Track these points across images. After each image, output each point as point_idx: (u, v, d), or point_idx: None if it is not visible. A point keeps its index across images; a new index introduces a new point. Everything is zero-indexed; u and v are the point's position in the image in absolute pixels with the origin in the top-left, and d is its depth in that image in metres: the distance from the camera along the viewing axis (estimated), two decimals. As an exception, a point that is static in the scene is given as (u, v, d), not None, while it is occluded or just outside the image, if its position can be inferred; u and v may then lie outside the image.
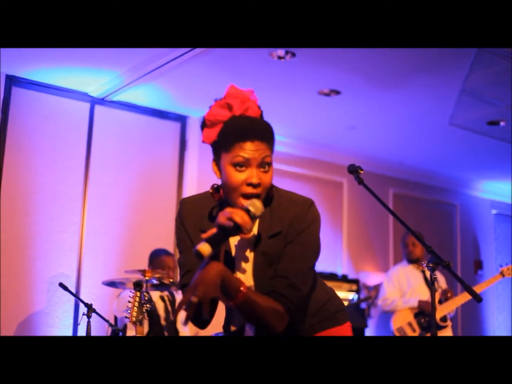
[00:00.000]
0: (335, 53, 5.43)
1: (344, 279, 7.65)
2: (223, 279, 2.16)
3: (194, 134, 7.15)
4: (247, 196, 2.27)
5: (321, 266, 7.82)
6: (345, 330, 2.55)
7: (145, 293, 4.60)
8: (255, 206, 2.23)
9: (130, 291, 4.02)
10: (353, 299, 7.47)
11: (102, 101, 6.62)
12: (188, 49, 5.25)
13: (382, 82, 6.08)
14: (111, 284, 4.81)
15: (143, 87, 6.26)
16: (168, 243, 6.74)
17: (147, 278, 4.56)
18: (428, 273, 3.68)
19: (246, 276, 2.37)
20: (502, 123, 7.16)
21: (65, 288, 4.69)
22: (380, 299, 6.60)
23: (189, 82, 6.05)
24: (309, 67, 5.76)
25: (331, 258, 8.20)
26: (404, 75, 5.93)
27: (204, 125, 2.38)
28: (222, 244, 2.23)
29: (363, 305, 7.58)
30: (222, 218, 2.20)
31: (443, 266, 2.60)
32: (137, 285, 4.02)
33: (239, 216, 2.18)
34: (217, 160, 2.36)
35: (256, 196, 2.27)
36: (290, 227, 2.35)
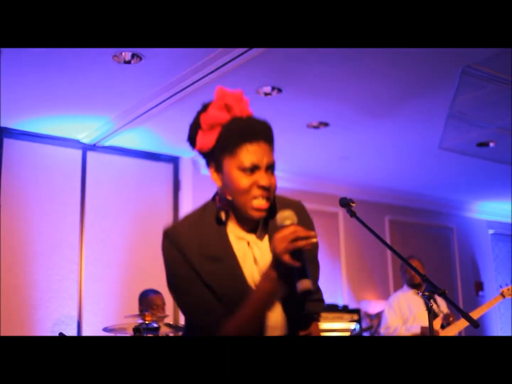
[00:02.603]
0: (321, 85, 5.49)
1: (345, 309, 7.63)
2: None
3: (187, 174, 7.19)
4: (259, 200, 2.13)
5: (321, 297, 7.81)
6: None
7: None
8: (289, 217, 2.08)
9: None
10: (355, 329, 7.45)
11: (93, 147, 6.66)
12: (174, 92, 5.32)
13: (370, 111, 6.13)
14: (112, 330, 4.80)
15: (133, 131, 6.31)
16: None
17: (147, 322, 4.55)
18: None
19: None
20: (491, 144, 7.21)
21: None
22: (383, 327, 6.57)
23: (179, 123, 6.08)
24: (296, 101, 5.81)
25: (331, 289, 8.19)
26: (391, 103, 5.98)
27: (196, 129, 2.22)
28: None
29: (366, 335, 7.57)
30: (282, 246, 1.97)
31: (439, 294, 2.62)
32: (137, 330, 4.02)
33: (301, 231, 1.99)
34: (217, 166, 2.19)
35: (267, 198, 2.14)
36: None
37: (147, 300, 5.70)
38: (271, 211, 2.20)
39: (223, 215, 2.24)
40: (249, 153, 2.11)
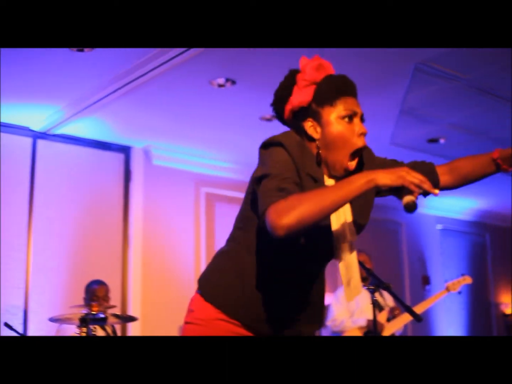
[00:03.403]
0: (275, 79, 5.46)
1: (294, 302, 7.65)
2: None
3: (138, 164, 7.15)
4: (357, 153, 2.31)
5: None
6: None
7: (92, 328, 4.56)
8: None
9: (76, 326, 3.98)
10: (304, 321, 7.48)
11: (44, 135, 6.58)
12: (126, 82, 5.28)
13: (322, 105, 6.15)
14: (58, 321, 4.75)
15: (84, 120, 6.26)
16: (115, 274, 6.71)
17: (93, 312, 4.52)
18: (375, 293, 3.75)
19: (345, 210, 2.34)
20: (442, 140, 7.30)
21: (10, 327, 4.63)
22: (329, 320, 6.62)
23: (130, 113, 6.07)
24: (249, 94, 5.82)
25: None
26: (343, 98, 6.00)
27: (290, 89, 2.39)
28: None
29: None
30: (409, 180, 2.10)
31: (383, 288, 2.66)
32: (83, 321, 3.99)
33: (427, 183, 2.13)
34: (317, 118, 2.33)
35: (364, 148, 2.34)
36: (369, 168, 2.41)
37: (90, 291, 5.69)
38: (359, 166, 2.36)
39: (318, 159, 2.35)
40: (348, 104, 2.32)
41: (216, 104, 5.99)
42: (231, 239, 2.45)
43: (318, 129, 2.32)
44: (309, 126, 2.33)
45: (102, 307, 4.75)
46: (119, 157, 7.14)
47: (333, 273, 8.77)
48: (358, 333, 6.24)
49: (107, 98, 5.61)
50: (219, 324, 2.28)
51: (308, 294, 2.38)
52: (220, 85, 5.57)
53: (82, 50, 4.83)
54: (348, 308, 6.50)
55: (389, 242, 9.77)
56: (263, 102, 6.11)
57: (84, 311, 4.59)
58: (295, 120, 2.37)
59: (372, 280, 2.72)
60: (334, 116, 2.30)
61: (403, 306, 2.60)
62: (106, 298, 5.65)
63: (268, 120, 6.43)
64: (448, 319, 10.19)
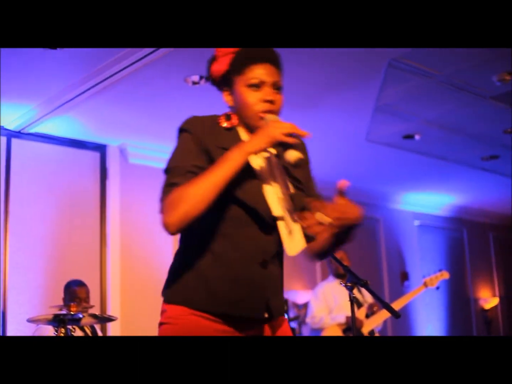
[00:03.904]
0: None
1: (273, 299, 7.64)
2: None
3: (114, 162, 7.10)
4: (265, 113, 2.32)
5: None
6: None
7: (71, 328, 4.54)
8: (297, 154, 2.22)
9: (54, 327, 3.95)
10: (282, 318, 7.48)
11: (18, 134, 6.53)
12: (99, 80, 5.25)
13: (297, 103, 6.15)
14: (36, 321, 4.72)
15: (58, 119, 6.21)
16: (93, 274, 6.67)
17: (72, 312, 4.49)
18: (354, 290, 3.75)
19: (275, 190, 2.36)
20: (417, 137, 7.33)
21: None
22: (309, 317, 6.63)
23: (105, 111, 6.03)
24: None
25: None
26: (318, 94, 6.02)
27: (212, 61, 2.44)
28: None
29: (293, 324, 7.62)
30: (278, 134, 2.18)
31: (361, 284, 2.65)
32: (61, 321, 3.97)
33: (296, 128, 2.21)
34: (229, 88, 2.39)
35: (271, 112, 2.33)
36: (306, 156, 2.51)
37: (70, 292, 5.64)
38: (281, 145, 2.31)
39: (233, 118, 2.40)
40: (255, 72, 2.33)
41: (192, 101, 5.96)
42: (179, 242, 2.44)
43: (231, 98, 2.39)
44: (225, 95, 2.41)
45: (80, 307, 4.72)
46: (95, 155, 7.09)
47: (311, 270, 8.80)
48: (338, 330, 6.25)
49: (80, 97, 5.57)
50: (192, 319, 2.25)
51: (265, 268, 2.33)
52: (194, 83, 5.55)
53: (54, 48, 4.79)
54: (327, 304, 6.52)
55: (367, 239, 9.79)
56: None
57: (62, 311, 4.56)
58: (219, 89, 2.45)
59: (350, 277, 2.71)
60: (242, 84, 2.34)
61: (381, 302, 2.60)
62: (87, 299, 5.62)
63: (243, 117, 6.42)
64: (428, 314, 10.24)
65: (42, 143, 6.73)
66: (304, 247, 2.37)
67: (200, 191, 2.14)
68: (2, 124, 6.38)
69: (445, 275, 6.53)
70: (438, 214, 11.11)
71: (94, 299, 6.28)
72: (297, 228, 2.33)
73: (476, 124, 6.97)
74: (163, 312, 2.34)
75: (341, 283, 2.92)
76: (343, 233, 2.31)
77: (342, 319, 6.24)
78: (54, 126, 6.48)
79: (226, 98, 2.41)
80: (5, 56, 4.91)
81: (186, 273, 2.31)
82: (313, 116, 6.58)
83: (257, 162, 2.35)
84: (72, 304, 4.64)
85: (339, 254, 6.31)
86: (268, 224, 2.30)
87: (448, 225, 11.29)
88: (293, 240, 2.33)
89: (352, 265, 5.76)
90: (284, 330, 2.40)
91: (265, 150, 2.22)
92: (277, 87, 2.35)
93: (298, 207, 2.33)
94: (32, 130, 6.49)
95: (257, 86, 2.31)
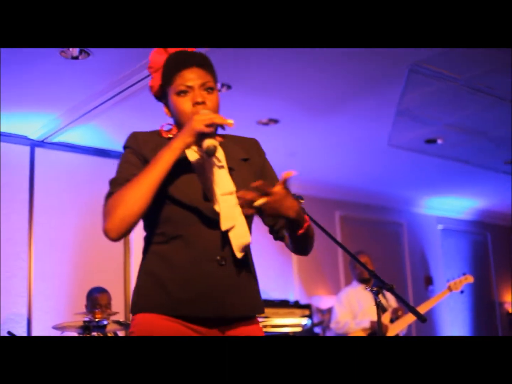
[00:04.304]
0: (270, 83, 5.50)
1: (296, 305, 7.65)
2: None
3: (137, 170, 7.13)
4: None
5: (273, 293, 7.83)
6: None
7: (96, 334, 4.57)
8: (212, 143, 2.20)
9: (80, 334, 3.99)
10: (306, 324, 7.48)
11: (42, 143, 6.57)
12: (122, 88, 5.28)
13: (319, 108, 6.16)
14: (61, 328, 4.76)
15: (82, 128, 6.25)
16: (117, 281, 6.71)
17: (97, 319, 4.53)
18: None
19: (226, 182, 2.32)
20: (439, 141, 7.30)
21: (13, 336, 4.63)
22: (333, 322, 6.62)
23: (129, 120, 6.05)
24: (245, 98, 5.82)
25: (282, 285, 8.21)
26: (340, 100, 6.02)
27: (150, 77, 2.47)
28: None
29: (318, 330, 7.60)
30: (199, 125, 2.16)
31: (387, 289, 2.65)
32: (86, 328, 4.00)
33: (217, 117, 2.17)
34: (165, 101, 2.40)
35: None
36: (255, 155, 2.50)
37: (92, 299, 5.68)
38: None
39: (173, 128, 2.41)
40: (182, 78, 2.32)
41: (214, 109, 5.97)
42: None
43: (168, 110, 2.41)
44: (164, 108, 2.42)
45: (105, 314, 4.76)
46: (118, 164, 7.11)
47: (335, 275, 8.78)
48: (363, 335, 6.23)
49: (104, 105, 5.60)
50: (157, 324, 2.23)
51: (222, 265, 2.26)
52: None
53: (77, 58, 4.83)
54: (351, 310, 6.50)
55: (390, 243, 9.77)
56: (259, 106, 6.16)
57: (87, 318, 4.59)
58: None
59: (375, 281, 2.70)
60: (172, 93, 2.34)
61: (407, 306, 2.60)
62: (108, 305, 5.65)
63: (265, 124, 6.43)
64: (452, 318, 10.19)
65: (65, 152, 6.77)
66: (248, 243, 2.31)
67: (134, 194, 2.16)
68: (25, 134, 6.44)
69: (469, 279, 6.49)
70: (462, 218, 11.07)
71: (118, 306, 6.30)
72: (241, 223, 2.29)
73: (498, 127, 6.93)
74: (131, 321, 2.33)
75: (366, 288, 2.93)
76: (291, 231, 2.31)
77: (366, 324, 6.22)
78: (77, 135, 6.52)
79: (165, 111, 2.42)
80: (29, 66, 4.96)
81: (144, 280, 2.31)
82: (335, 122, 6.59)
83: (195, 161, 2.34)
84: (96, 311, 4.68)
85: (363, 259, 6.31)
86: (215, 221, 2.25)
87: (472, 229, 11.24)
88: (237, 236, 2.27)
89: (376, 270, 5.75)
90: (251, 330, 2.33)
91: (194, 144, 2.21)
92: (207, 88, 2.32)
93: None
94: (56, 139, 6.54)
95: (184, 92, 2.31)
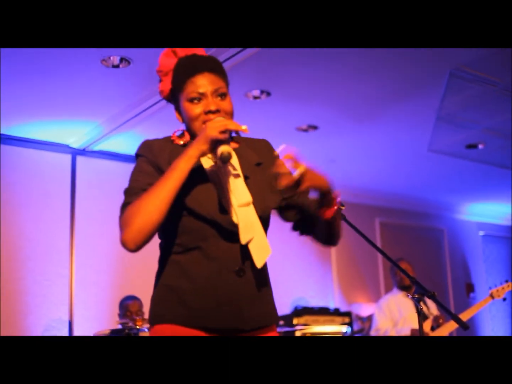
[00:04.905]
0: (309, 89, 5.50)
1: (337, 312, 7.62)
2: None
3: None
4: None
5: (313, 301, 7.82)
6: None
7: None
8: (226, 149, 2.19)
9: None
10: (346, 332, 7.45)
11: (83, 152, 6.64)
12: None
13: (358, 114, 6.14)
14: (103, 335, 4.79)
15: (123, 135, 6.29)
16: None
17: (138, 327, 4.55)
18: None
19: (243, 192, 2.29)
20: (480, 146, 7.24)
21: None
22: (373, 329, 6.58)
23: (169, 127, 6.05)
24: (284, 105, 5.82)
25: (322, 293, 8.19)
26: (380, 106, 5.99)
27: (160, 80, 2.45)
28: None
29: (358, 337, 7.56)
30: (213, 132, 2.14)
31: (428, 296, 2.63)
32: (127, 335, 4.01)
33: (231, 123, 2.17)
34: (177, 106, 2.39)
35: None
36: (268, 157, 2.48)
37: (123, 307, 5.77)
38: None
39: (186, 135, 2.40)
40: (194, 85, 2.28)
41: (252, 116, 5.99)
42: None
43: (179, 116, 2.39)
44: (176, 113, 2.41)
45: (146, 322, 4.78)
46: (158, 171, 7.16)
47: (375, 282, 8.74)
48: (403, 342, 6.17)
49: (145, 113, 5.63)
50: (177, 333, 2.22)
51: (241, 276, 2.26)
52: (255, 97, 5.58)
53: (117, 67, 4.87)
54: (391, 317, 6.46)
55: (431, 250, 9.70)
56: (299, 113, 6.15)
57: (123, 325, 4.62)
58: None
59: (417, 288, 2.68)
60: (184, 100, 2.31)
61: (449, 314, 2.57)
62: (139, 312, 5.70)
63: (305, 130, 6.42)
64: (494, 326, 10.07)
65: (106, 160, 6.83)
66: (269, 254, 2.28)
67: (151, 204, 2.14)
68: (66, 142, 6.51)
69: (512, 286, 6.41)
70: (503, 224, 10.95)
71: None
72: (260, 234, 2.27)
73: (539, 131, 6.86)
74: (150, 332, 2.32)
75: (408, 295, 2.90)
76: (322, 212, 2.32)
77: (407, 331, 6.17)
78: (118, 143, 6.57)
79: (176, 116, 2.40)
80: (71, 75, 5.02)
81: (162, 290, 2.30)
82: (376, 128, 6.56)
83: (210, 168, 2.31)
84: (138, 318, 4.70)
85: (403, 265, 6.26)
86: (234, 232, 2.23)
87: (513, 235, 11.12)
88: (257, 248, 2.25)
89: (417, 277, 5.72)
90: None
91: (209, 152, 2.18)
92: (220, 94, 2.30)
93: (261, 213, 2.28)
94: (97, 148, 6.59)
95: (197, 99, 2.28)
